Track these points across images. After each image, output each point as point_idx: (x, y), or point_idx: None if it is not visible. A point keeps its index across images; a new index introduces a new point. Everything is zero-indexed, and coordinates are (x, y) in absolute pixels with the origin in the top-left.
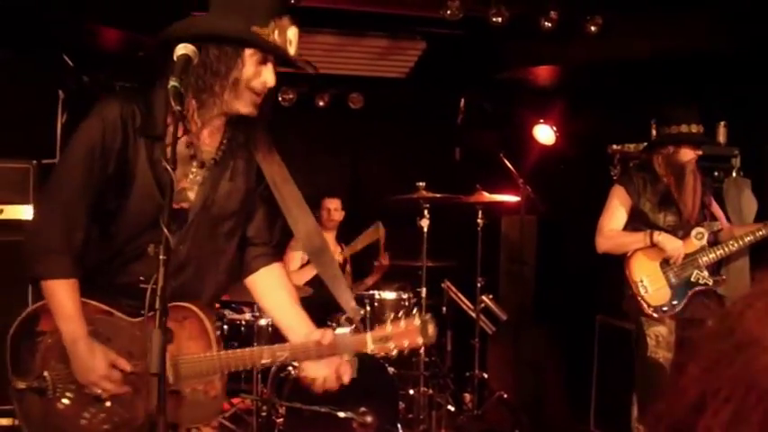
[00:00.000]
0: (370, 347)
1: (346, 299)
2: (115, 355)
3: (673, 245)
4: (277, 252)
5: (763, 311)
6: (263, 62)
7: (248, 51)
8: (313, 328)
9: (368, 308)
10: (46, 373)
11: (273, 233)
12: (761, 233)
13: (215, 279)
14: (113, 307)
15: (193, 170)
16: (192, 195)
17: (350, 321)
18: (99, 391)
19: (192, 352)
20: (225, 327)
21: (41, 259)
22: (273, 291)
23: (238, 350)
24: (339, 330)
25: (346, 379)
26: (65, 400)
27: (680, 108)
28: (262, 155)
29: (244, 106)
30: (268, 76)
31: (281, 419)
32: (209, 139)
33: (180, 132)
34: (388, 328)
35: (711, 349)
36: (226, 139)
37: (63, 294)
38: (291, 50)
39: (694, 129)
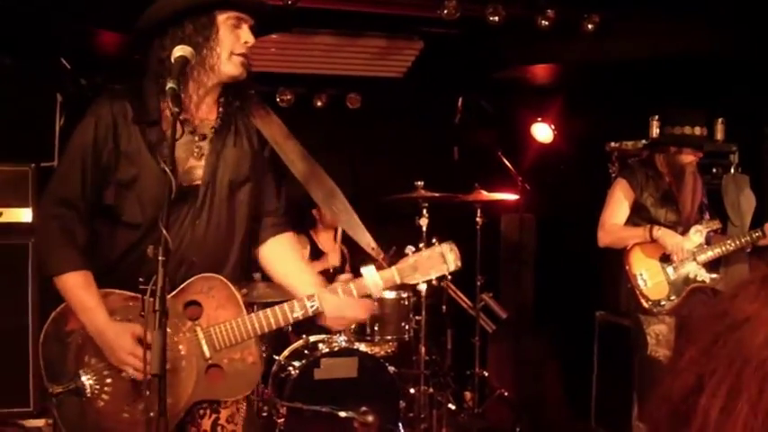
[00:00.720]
0: (398, 279)
1: (365, 239)
2: (139, 327)
3: (673, 240)
4: (287, 222)
5: (754, 293)
6: (238, 25)
7: (221, 17)
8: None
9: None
10: (82, 373)
11: (281, 202)
12: (756, 235)
13: (236, 249)
14: (135, 292)
15: (197, 145)
16: (200, 172)
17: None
18: (131, 371)
19: (222, 320)
20: None
21: (48, 257)
22: (287, 259)
23: (268, 309)
24: (364, 269)
25: (367, 314)
26: (104, 396)
27: (685, 109)
28: (259, 117)
29: (233, 69)
30: (246, 36)
31: (282, 419)
32: (207, 113)
33: (179, 134)
34: (411, 259)
35: (706, 331)
36: (221, 107)
37: (78, 287)
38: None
39: (698, 131)
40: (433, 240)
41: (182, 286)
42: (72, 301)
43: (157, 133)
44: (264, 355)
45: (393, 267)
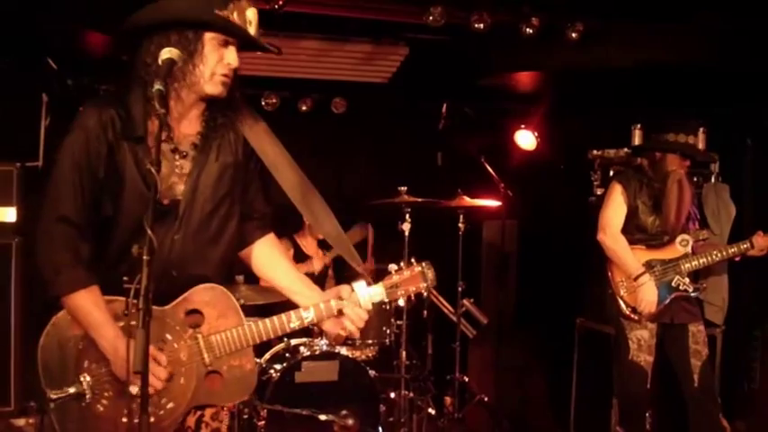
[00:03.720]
0: (385, 296)
1: (354, 258)
2: (154, 349)
3: (647, 297)
4: (269, 222)
5: None
6: (224, 45)
7: (208, 35)
8: (320, 291)
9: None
10: (82, 378)
11: (267, 205)
12: (744, 246)
13: (218, 261)
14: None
15: (177, 162)
16: (182, 188)
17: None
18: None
19: (223, 329)
20: None
21: (54, 278)
22: (274, 260)
23: (266, 319)
24: (356, 284)
25: (362, 323)
26: (104, 401)
27: (675, 117)
28: (248, 126)
29: (213, 88)
30: (231, 57)
31: (263, 422)
32: (189, 128)
33: (164, 135)
34: (395, 277)
35: None
36: (204, 123)
37: (88, 305)
38: (252, 30)
39: (682, 139)
40: (412, 260)
41: (184, 295)
42: (82, 318)
43: (143, 150)
44: None
45: (381, 284)
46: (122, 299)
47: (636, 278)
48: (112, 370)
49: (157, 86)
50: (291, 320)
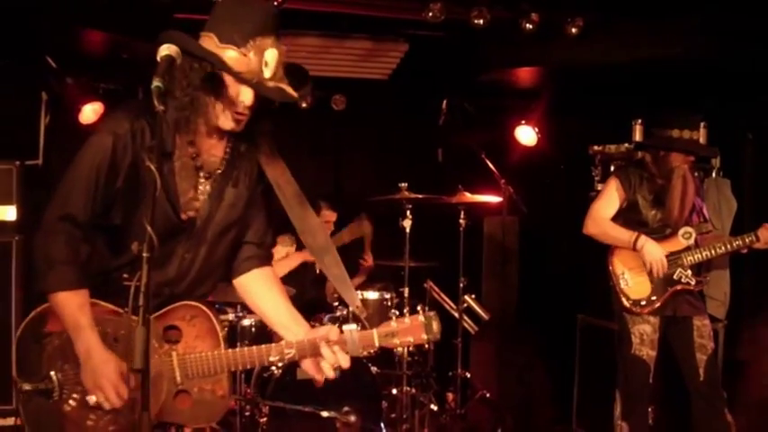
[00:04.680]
0: (377, 343)
1: (351, 297)
2: (124, 365)
3: (652, 256)
4: (269, 255)
5: None
6: (242, 81)
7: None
8: (308, 327)
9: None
10: (52, 374)
11: (268, 236)
12: (750, 239)
13: (211, 281)
14: (122, 307)
15: (201, 181)
16: (198, 205)
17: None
18: (102, 400)
19: (200, 351)
20: None
21: (48, 272)
22: (267, 291)
23: (245, 348)
24: (346, 327)
25: (345, 365)
26: (71, 402)
27: (677, 113)
28: (265, 158)
29: (226, 123)
30: (245, 96)
31: (265, 419)
32: (214, 150)
33: (192, 152)
34: (393, 324)
35: None
36: (229, 149)
37: (72, 306)
38: (267, 72)
39: (686, 135)
40: (418, 308)
41: (165, 309)
42: (65, 317)
43: (169, 166)
44: None
45: (374, 330)
46: (103, 303)
47: (634, 245)
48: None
49: (156, 83)
50: (271, 354)
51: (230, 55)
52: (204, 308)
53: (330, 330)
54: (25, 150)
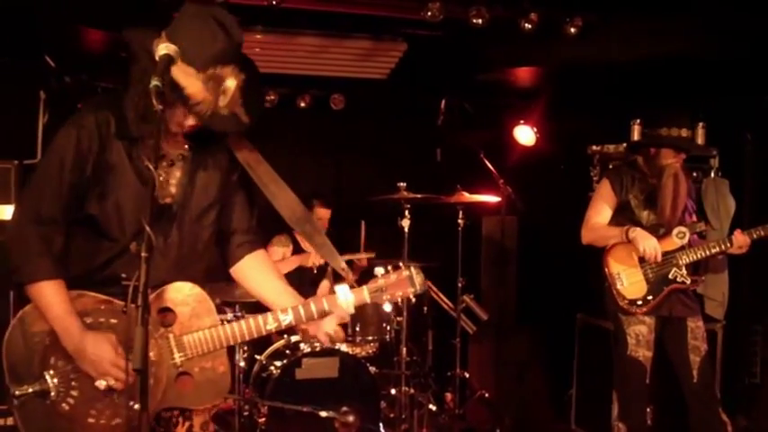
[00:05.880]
0: (368, 299)
1: (336, 261)
2: (113, 335)
3: (646, 243)
4: (260, 239)
5: None
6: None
7: None
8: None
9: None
10: (47, 375)
11: (253, 220)
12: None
13: (194, 266)
14: (112, 296)
15: (168, 167)
16: (174, 191)
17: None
18: (112, 382)
19: (196, 329)
20: None
21: (22, 264)
22: (263, 275)
23: (242, 321)
24: (338, 286)
25: (347, 319)
26: (69, 400)
27: (667, 111)
28: (233, 141)
29: (173, 127)
30: (190, 121)
31: (263, 419)
32: (175, 147)
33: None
34: (381, 280)
35: None
36: (189, 143)
37: (50, 295)
38: (223, 101)
39: (675, 132)
40: (400, 263)
41: (157, 292)
42: (44, 308)
43: (138, 150)
44: (246, 355)
45: (364, 287)
46: (93, 294)
47: (626, 235)
48: (78, 366)
49: (155, 82)
50: (268, 322)
51: (190, 78)
52: (196, 286)
53: (322, 285)
54: (24, 149)
